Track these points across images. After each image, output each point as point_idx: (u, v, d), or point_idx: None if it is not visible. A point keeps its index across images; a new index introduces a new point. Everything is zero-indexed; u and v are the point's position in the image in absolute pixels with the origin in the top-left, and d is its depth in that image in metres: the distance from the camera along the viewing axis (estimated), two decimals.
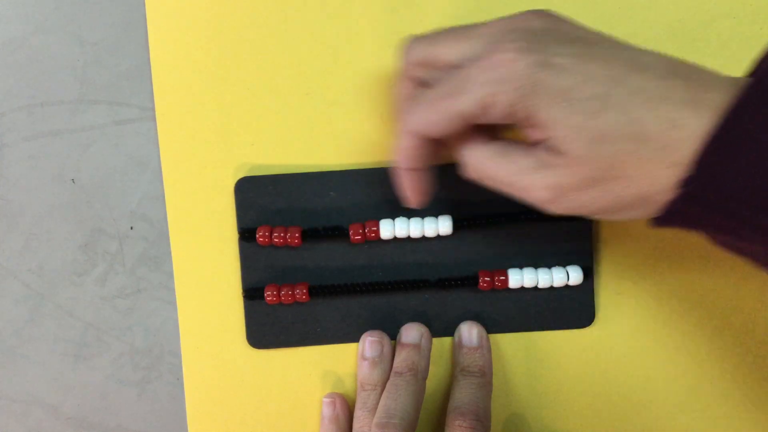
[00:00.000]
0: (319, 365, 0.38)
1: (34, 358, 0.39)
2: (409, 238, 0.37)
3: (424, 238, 0.37)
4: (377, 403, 0.35)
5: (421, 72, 0.31)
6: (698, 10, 0.36)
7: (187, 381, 0.38)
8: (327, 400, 0.37)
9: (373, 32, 0.37)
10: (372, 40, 0.37)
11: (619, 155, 0.25)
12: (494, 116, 0.27)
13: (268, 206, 0.37)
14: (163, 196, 0.38)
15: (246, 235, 0.37)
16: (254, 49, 0.37)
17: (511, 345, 0.38)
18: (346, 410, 0.37)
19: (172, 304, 0.38)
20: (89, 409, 0.39)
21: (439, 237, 0.37)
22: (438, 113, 0.28)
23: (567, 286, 0.37)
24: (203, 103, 0.37)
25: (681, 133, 0.24)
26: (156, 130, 0.37)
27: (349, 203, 0.37)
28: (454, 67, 0.29)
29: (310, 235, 0.36)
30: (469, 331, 0.37)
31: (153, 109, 0.37)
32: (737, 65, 0.36)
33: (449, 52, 0.29)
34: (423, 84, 0.31)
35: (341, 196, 0.37)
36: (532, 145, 0.28)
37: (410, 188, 0.32)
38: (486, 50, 0.27)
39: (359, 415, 0.35)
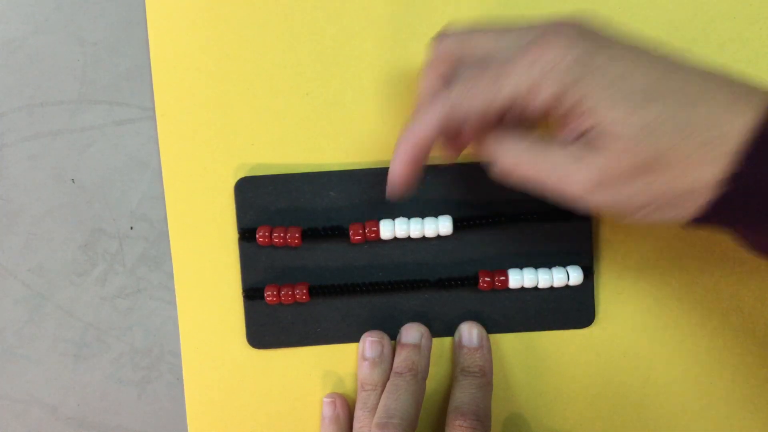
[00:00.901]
0: (319, 365, 0.38)
1: (34, 358, 0.39)
2: (409, 238, 0.37)
3: (424, 238, 0.37)
4: (377, 403, 0.35)
5: (449, 68, 0.30)
6: (698, 10, 0.36)
7: (187, 381, 0.38)
8: (327, 400, 0.37)
9: (373, 32, 0.37)
10: (372, 40, 0.37)
11: (664, 146, 0.25)
12: (537, 103, 0.27)
13: (268, 206, 0.37)
14: (163, 196, 0.38)
15: (246, 235, 0.37)
16: (254, 49, 0.37)
17: (511, 345, 0.38)
18: (346, 410, 0.37)
19: (172, 304, 0.38)
20: (89, 409, 0.39)
21: (439, 237, 0.37)
22: (475, 96, 0.27)
23: (567, 286, 0.37)
24: (203, 103, 0.37)
25: (723, 130, 0.25)
26: (156, 130, 0.37)
27: (349, 203, 0.37)
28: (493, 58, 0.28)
29: (310, 235, 0.36)
30: (470, 332, 0.37)
31: (153, 109, 0.37)
32: (737, 65, 0.36)
33: (488, 43, 0.28)
34: (449, 81, 0.30)
35: (341, 196, 0.37)
36: (570, 139, 0.27)
37: (401, 172, 0.29)
38: (534, 39, 0.27)
39: (359, 415, 0.35)
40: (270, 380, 0.38)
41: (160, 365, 0.39)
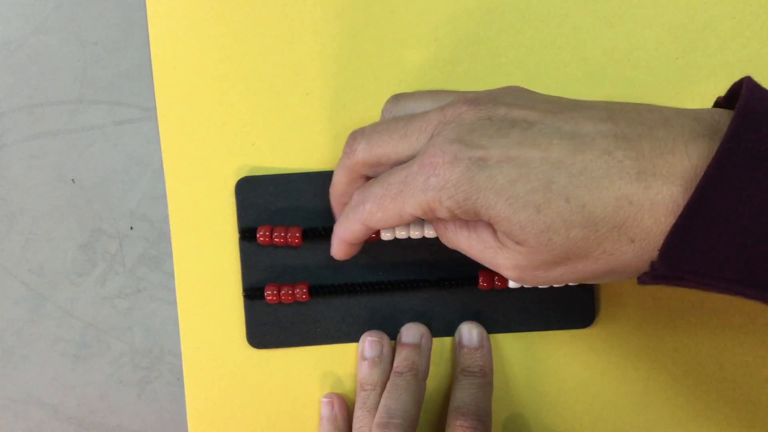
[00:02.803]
0: (319, 365, 0.38)
1: (34, 358, 0.39)
2: (409, 238, 0.37)
3: (424, 238, 0.37)
4: (377, 403, 0.35)
5: (367, 170, 0.30)
6: (698, 10, 0.36)
7: (187, 381, 0.38)
8: (325, 400, 0.37)
9: (373, 32, 0.37)
10: (372, 40, 0.37)
11: (573, 241, 0.25)
12: (442, 216, 0.27)
13: (269, 206, 0.37)
14: (163, 196, 0.38)
15: (246, 234, 0.37)
16: (254, 49, 0.37)
17: (511, 345, 0.38)
18: (344, 410, 0.37)
19: (172, 304, 0.38)
20: (89, 409, 0.39)
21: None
22: (385, 212, 0.28)
23: (567, 286, 0.37)
24: (204, 103, 0.37)
25: (634, 209, 0.24)
26: (156, 130, 0.37)
27: None
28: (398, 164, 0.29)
29: (310, 234, 0.36)
30: (470, 332, 0.37)
31: (153, 108, 0.37)
32: (737, 65, 0.36)
33: (391, 154, 0.29)
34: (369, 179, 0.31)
35: None
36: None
37: (342, 254, 0.33)
38: (423, 150, 0.27)
39: (359, 415, 0.35)
40: (270, 380, 0.38)
41: (160, 365, 0.39)
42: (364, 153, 0.30)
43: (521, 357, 0.38)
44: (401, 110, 0.31)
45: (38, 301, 0.38)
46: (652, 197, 0.24)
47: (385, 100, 0.37)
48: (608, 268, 0.26)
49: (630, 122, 0.25)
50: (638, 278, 0.26)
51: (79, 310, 0.38)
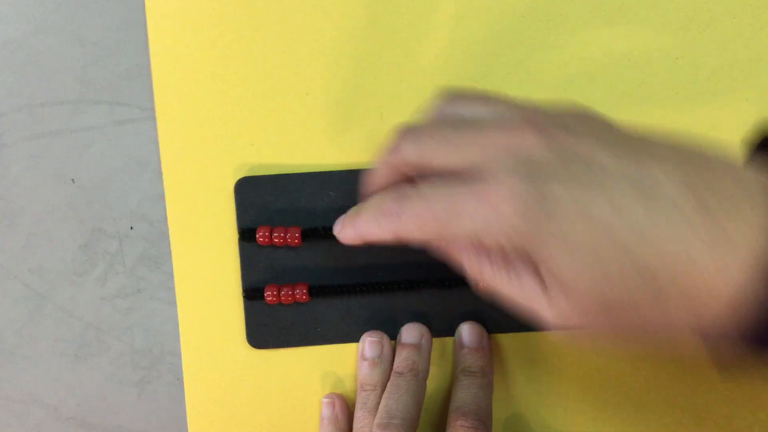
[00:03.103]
0: (319, 365, 0.38)
1: (34, 358, 0.39)
2: None
3: None
4: (377, 403, 0.35)
5: (409, 170, 0.29)
6: (698, 10, 0.36)
7: (187, 381, 0.38)
8: (326, 400, 0.37)
9: (373, 32, 0.37)
10: (372, 40, 0.37)
11: (625, 293, 0.23)
12: (487, 245, 0.26)
13: (268, 206, 0.37)
14: (163, 196, 0.38)
15: (246, 235, 0.37)
16: (254, 49, 0.37)
17: (511, 345, 0.38)
18: (345, 411, 0.37)
19: (172, 304, 0.38)
20: (89, 409, 0.39)
21: None
22: (425, 233, 0.27)
23: None
24: (203, 103, 0.37)
25: (697, 271, 0.22)
26: (156, 130, 0.37)
27: (349, 203, 0.36)
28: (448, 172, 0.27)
29: (310, 235, 0.36)
30: (470, 331, 0.37)
31: (153, 109, 0.37)
32: (737, 65, 0.36)
33: (439, 160, 0.27)
34: (409, 179, 0.29)
35: (341, 196, 0.37)
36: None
37: (351, 243, 0.31)
38: (477, 175, 0.25)
39: (359, 415, 0.35)
40: (270, 380, 0.38)
41: (160, 365, 0.39)
42: (410, 154, 0.28)
43: (521, 357, 0.38)
44: (451, 110, 0.29)
45: (38, 301, 0.38)
46: (718, 259, 0.22)
47: (385, 100, 0.37)
48: (656, 327, 0.24)
49: (701, 172, 0.23)
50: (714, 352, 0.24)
51: (79, 310, 0.38)
